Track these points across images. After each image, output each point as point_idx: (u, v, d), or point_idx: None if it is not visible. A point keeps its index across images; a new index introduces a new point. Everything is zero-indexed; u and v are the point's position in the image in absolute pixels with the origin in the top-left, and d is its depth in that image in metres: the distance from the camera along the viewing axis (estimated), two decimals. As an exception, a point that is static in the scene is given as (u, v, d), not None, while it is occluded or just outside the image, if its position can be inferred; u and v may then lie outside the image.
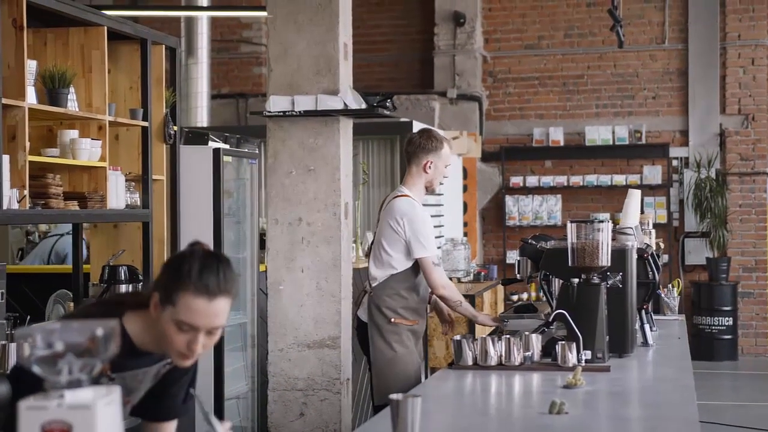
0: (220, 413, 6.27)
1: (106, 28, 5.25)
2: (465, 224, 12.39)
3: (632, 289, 4.68)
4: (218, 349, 6.28)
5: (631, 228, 5.20)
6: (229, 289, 2.57)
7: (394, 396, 2.82)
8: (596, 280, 4.46)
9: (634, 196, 5.67)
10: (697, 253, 12.62)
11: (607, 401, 3.69)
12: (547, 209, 12.91)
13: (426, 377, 5.44)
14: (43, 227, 9.10)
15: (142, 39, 5.65)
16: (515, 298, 11.65)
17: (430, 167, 5.17)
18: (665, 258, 12.54)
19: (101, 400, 1.81)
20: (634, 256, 4.75)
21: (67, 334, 1.84)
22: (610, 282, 4.57)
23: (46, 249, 7.90)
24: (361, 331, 5.29)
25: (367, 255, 8.57)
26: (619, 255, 4.60)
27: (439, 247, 10.03)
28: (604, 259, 4.45)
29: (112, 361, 2.59)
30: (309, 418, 5.61)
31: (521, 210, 12.98)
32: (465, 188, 12.46)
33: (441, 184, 5.34)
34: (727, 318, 12.26)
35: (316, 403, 5.60)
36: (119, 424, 1.88)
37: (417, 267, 5.12)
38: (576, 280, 4.45)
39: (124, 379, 2.69)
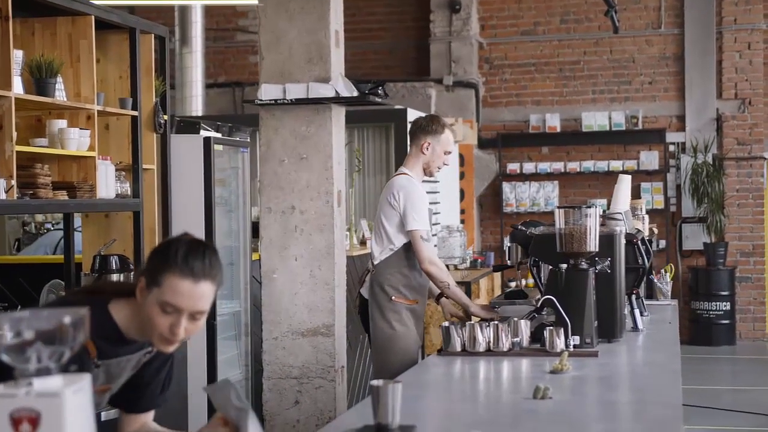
0: (212, 371, 6.28)
1: (93, 17, 5.24)
2: (462, 211, 12.38)
3: (621, 275, 4.67)
4: (211, 338, 6.29)
5: (621, 213, 5.20)
6: (214, 275, 2.62)
7: (374, 382, 2.82)
8: (584, 265, 4.46)
9: (624, 182, 5.67)
10: (695, 238, 12.61)
11: (592, 386, 3.69)
12: (544, 196, 12.91)
13: None
14: (39, 218, 9.12)
15: (131, 28, 5.64)
16: (513, 284, 11.65)
17: (427, 149, 5.29)
18: (662, 243, 12.55)
19: (70, 388, 1.81)
20: (623, 241, 4.74)
21: (36, 322, 1.84)
22: (598, 267, 4.56)
23: (53, 240, 7.92)
24: (363, 309, 5.37)
25: (362, 242, 8.62)
26: (608, 240, 4.60)
27: (435, 234, 10.04)
28: (592, 245, 4.45)
29: (99, 347, 2.62)
30: (304, 406, 5.62)
31: (518, 197, 12.98)
32: (462, 175, 12.45)
33: (440, 169, 5.39)
34: (724, 303, 12.27)
35: (311, 390, 5.61)
36: (89, 411, 1.88)
37: None
38: (564, 266, 4.45)
39: (108, 366, 2.71)
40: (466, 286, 9.18)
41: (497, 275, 11.20)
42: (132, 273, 5.63)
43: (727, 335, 12.32)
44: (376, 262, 5.28)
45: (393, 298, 5.20)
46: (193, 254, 2.59)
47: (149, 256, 2.69)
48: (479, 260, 10.85)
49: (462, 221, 12.21)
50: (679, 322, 12.36)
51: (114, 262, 5.48)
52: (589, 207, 4.48)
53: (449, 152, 5.33)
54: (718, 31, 12.68)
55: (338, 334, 5.63)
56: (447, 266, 10.30)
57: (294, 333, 5.62)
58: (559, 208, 4.52)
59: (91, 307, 2.65)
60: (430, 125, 5.33)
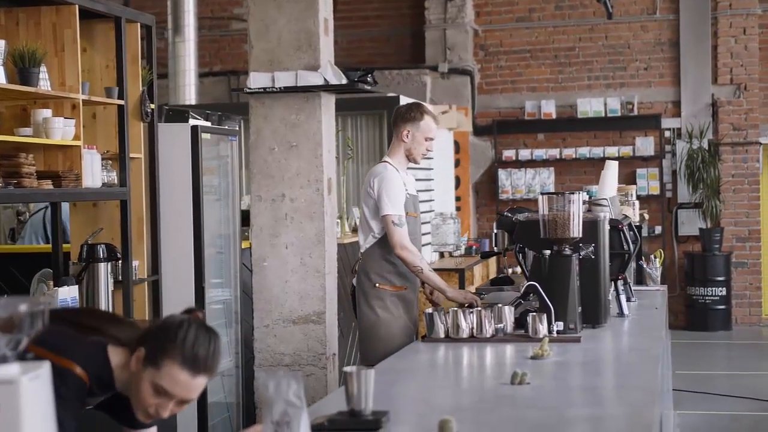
0: (203, 390, 6.29)
1: (77, 6, 5.23)
2: (458, 198, 12.39)
3: (605, 260, 4.68)
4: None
5: (606, 199, 5.21)
6: (213, 368, 2.64)
7: (347, 368, 2.84)
8: (568, 251, 4.47)
9: (611, 168, 5.68)
10: (691, 223, 12.62)
11: (571, 371, 3.71)
12: (540, 182, 12.91)
13: None
14: (33, 207, 9.12)
15: (116, 17, 5.63)
16: (510, 271, 11.66)
17: (407, 136, 5.29)
18: (657, 229, 12.56)
19: (26, 376, 1.82)
20: (607, 227, 4.75)
21: (-8, 310, 1.85)
22: (582, 253, 4.58)
23: (38, 224, 7.92)
24: (354, 297, 5.42)
25: (354, 230, 8.63)
26: (591, 226, 4.61)
27: (427, 222, 10.05)
28: (576, 231, 4.46)
29: (91, 386, 2.61)
30: (295, 393, 5.62)
31: (514, 183, 12.98)
32: (458, 162, 12.45)
33: (425, 156, 5.40)
34: (720, 288, 12.27)
35: (303, 378, 5.61)
36: (47, 399, 1.89)
37: (410, 234, 5.21)
38: (548, 252, 4.46)
39: (90, 403, 2.74)
40: (460, 273, 9.21)
41: (492, 262, 11.21)
42: (119, 261, 5.64)
43: (723, 320, 12.33)
44: (362, 251, 5.33)
45: (377, 284, 5.23)
46: (199, 343, 2.59)
47: (155, 329, 2.67)
48: (474, 247, 10.85)
49: (458, 208, 12.22)
50: (675, 308, 12.48)
51: (101, 251, 5.48)
52: (573, 193, 4.49)
53: (431, 138, 5.33)
54: (714, 16, 12.66)
55: (329, 322, 5.64)
56: (441, 253, 10.38)
57: (285, 321, 5.63)
58: (542, 194, 4.53)
59: (91, 347, 2.66)
60: (408, 113, 5.33)
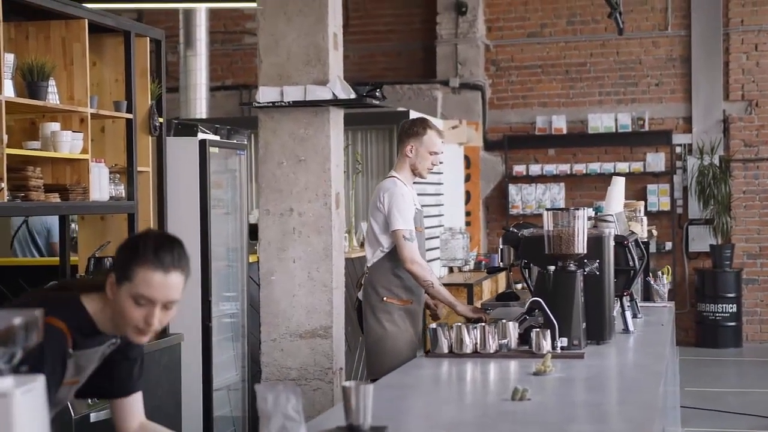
0: (208, 403, 6.31)
1: (86, 20, 5.27)
2: (468, 213, 12.39)
3: (610, 277, 4.68)
4: (206, 340, 6.31)
5: (612, 215, 5.20)
6: (183, 266, 2.74)
7: (345, 383, 2.84)
8: (572, 267, 4.47)
9: (618, 184, 5.68)
10: (701, 240, 12.58)
11: (573, 387, 3.70)
12: (551, 197, 12.90)
13: None
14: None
15: (126, 31, 5.67)
16: (519, 286, 11.64)
17: (411, 151, 5.37)
18: (668, 245, 12.53)
19: (19, 389, 1.82)
20: (612, 243, 4.74)
21: (-14, 323, 1.86)
22: (587, 269, 4.57)
23: (23, 235, 7.99)
24: (360, 310, 5.47)
25: (362, 244, 8.65)
26: (596, 242, 4.61)
27: (436, 237, 10.05)
28: (580, 247, 4.45)
29: (74, 337, 2.69)
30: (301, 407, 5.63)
31: (524, 198, 12.97)
32: (468, 177, 12.46)
33: (430, 170, 5.44)
34: (731, 305, 12.23)
35: (309, 392, 5.62)
36: (41, 412, 1.89)
37: None
38: (552, 268, 4.46)
39: (79, 357, 2.78)
40: (468, 288, 9.20)
41: (502, 277, 11.19)
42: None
43: (734, 337, 12.28)
44: (369, 265, 5.37)
45: (384, 298, 5.28)
46: (162, 247, 2.71)
47: (117, 253, 2.80)
48: (484, 262, 10.84)
49: (468, 223, 12.22)
50: (686, 324, 12.44)
51: (108, 264, 5.50)
52: (577, 209, 4.49)
53: (435, 153, 5.38)
54: (725, 32, 12.65)
55: (336, 336, 5.64)
56: (450, 268, 10.38)
57: (292, 335, 5.63)
58: (547, 210, 4.53)
59: (64, 300, 2.75)
60: (411, 128, 5.41)
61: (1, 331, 1.84)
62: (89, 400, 4.60)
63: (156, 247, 2.70)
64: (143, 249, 2.69)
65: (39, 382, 1.89)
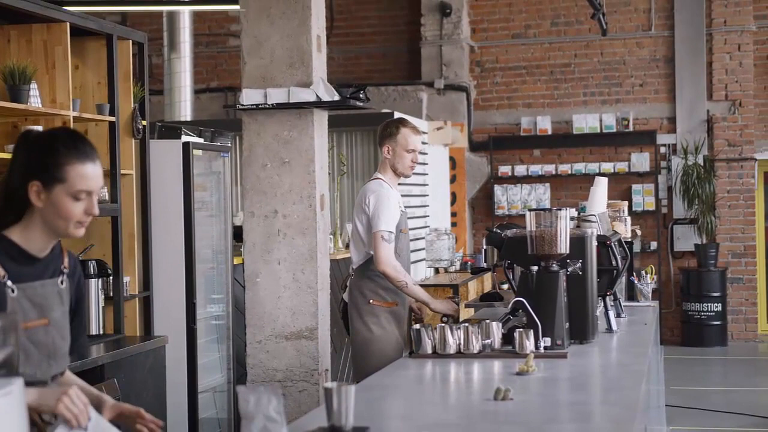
0: (193, 405, 6.31)
1: (68, 24, 5.26)
2: (454, 214, 12.41)
3: (592, 276, 4.69)
4: (191, 341, 6.31)
5: (594, 215, 5.22)
6: (97, 153, 2.85)
7: (327, 384, 2.85)
8: (555, 267, 4.48)
9: (601, 185, 5.69)
10: (686, 239, 12.62)
11: (555, 387, 3.71)
12: (536, 198, 12.92)
13: None
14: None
15: (108, 34, 5.66)
16: (506, 287, 11.65)
17: (389, 152, 5.43)
18: (653, 245, 12.56)
19: (-3, 392, 1.83)
20: (594, 243, 4.76)
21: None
22: (569, 269, 4.58)
23: None
24: (345, 313, 5.49)
25: (347, 246, 8.65)
26: (579, 242, 4.62)
27: (422, 238, 10.06)
28: (563, 247, 4.46)
29: (7, 268, 2.70)
30: (288, 409, 5.55)
31: (510, 199, 12.99)
32: (454, 178, 12.48)
33: (412, 168, 5.47)
34: (716, 304, 12.27)
35: (295, 394, 5.63)
36: (20, 415, 1.90)
37: (395, 247, 5.24)
38: (535, 268, 4.47)
39: (26, 291, 2.77)
40: (454, 289, 9.21)
41: (488, 277, 11.21)
42: (110, 278, 5.64)
43: (719, 336, 12.33)
44: (354, 267, 5.37)
45: (371, 301, 5.29)
46: (78, 140, 2.80)
47: (29, 160, 2.77)
48: (470, 263, 10.86)
49: (454, 224, 12.24)
50: (671, 324, 12.48)
51: (92, 267, 5.50)
52: (560, 209, 4.50)
53: (412, 150, 5.39)
54: (708, 32, 12.70)
55: (322, 338, 5.65)
56: (436, 269, 10.39)
57: (277, 336, 5.64)
58: (530, 210, 4.54)
59: None
60: (385, 129, 5.47)
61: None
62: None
63: (74, 142, 2.77)
64: (64, 148, 2.74)
65: (17, 385, 1.90)
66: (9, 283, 2.72)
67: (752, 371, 11.10)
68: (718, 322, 12.30)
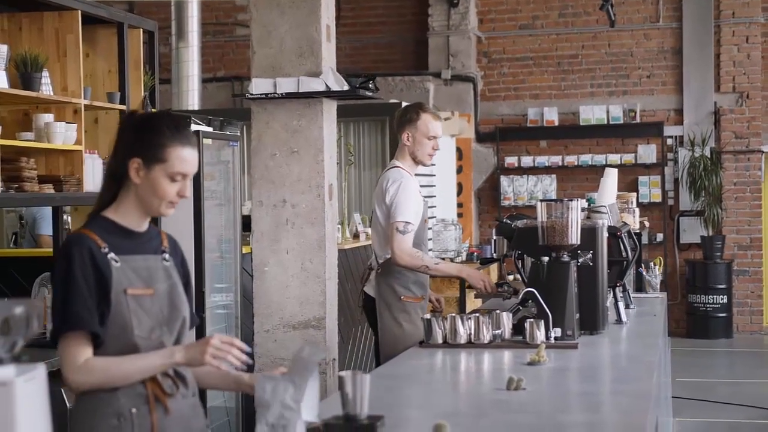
0: (202, 393, 6.31)
1: (79, 12, 5.26)
2: (460, 205, 12.41)
3: (603, 267, 4.69)
4: (200, 331, 6.32)
5: (605, 206, 5.22)
6: (196, 139, 2.99)
7: (342, 373, 2.85)
8: (566, 258, 4.48)
9: (611, 176, 5.69)
10: (692, 231, 12.62)
11: (567, 377, 3.72)
12: (542, 189, 12.92)
13: None
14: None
15: (119, 23, 5.66)
16: (511, 278, 11.64)
17: (408, 139, 5.31)
18: (659, 237, 12.56)
19: (21, 377, 1.84)
20: (605, 234, 4.76)
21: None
22: (580, 260, 4.58)
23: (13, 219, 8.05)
24: (368, 306, 5.38)
25: (356, 236, 8.65)
26: (590, 233, 4.62)
27: (429, 228, 10.06)
28: (574, 238, 4.47)
29: (108, 242, 2.83)
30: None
31: (516, 190, 12.99)
32: (460, 169, 12.48)
33: (432, 155, 5.36)
34: (721, 296, 12.28)
35: (301, 383, 5.62)
36: (43, 400, 1.91)
37: (417, 238, 5.19)
38: (546, 259, 4.47)
39: (129, 263, 2.88)
40: (461, 279, 9.20)
41: (495, 267, 11.22)
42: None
43: (725, 328, 12.33)
44: (381, 261, 5.28)
45: (402, 297, 5.22)
46: (181, 126, 2.92)
47: (134, 138, 2.88)
48: (476, 254, 10.86)
49: (460, 215, 12.24)
50: (677, 316, 12.48)
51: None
52: (571, 200, 4.50)
53: (433, 137, 5.29)
54: (716, 24, 12.68)
55: (329, 327, 5.64)
56: (442, 259, 10.37)
57: (285, 326, 5.63)
58: (541, 201, 4.54)
59: (85, 227, 2.86)
60: (405, 115, 5.35)
61: (1, 320, 1.85)
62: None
63: (177, 125, 2.89)
64: (169, 130, 2.86)
65: (40, 370, 1.91)
66: (111, 255, 2.83)
67: (757, 363, 11.11)
68: (723, 314, 12.30)
